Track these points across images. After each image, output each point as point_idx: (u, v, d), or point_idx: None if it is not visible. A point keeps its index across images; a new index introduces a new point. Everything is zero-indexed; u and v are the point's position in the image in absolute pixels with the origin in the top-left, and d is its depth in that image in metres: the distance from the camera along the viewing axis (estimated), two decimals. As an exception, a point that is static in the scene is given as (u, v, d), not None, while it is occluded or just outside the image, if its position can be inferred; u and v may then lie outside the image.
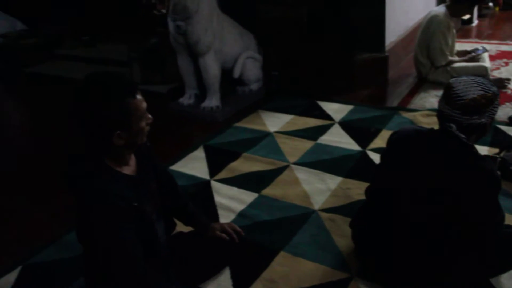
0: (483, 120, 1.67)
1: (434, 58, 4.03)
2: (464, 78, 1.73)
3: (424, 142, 1.79)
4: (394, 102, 3.87)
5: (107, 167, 1.61)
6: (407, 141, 1.86)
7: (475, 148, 1.72)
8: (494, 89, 1.69)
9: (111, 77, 1.60)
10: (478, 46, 4.37)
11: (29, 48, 6.42)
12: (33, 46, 6.47)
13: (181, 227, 2.09)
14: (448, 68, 4.01)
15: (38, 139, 4.18)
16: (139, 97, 1.58)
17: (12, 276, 2.17)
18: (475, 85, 1.68)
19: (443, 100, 1.73)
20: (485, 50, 4.23)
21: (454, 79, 1.76)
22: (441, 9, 4.03)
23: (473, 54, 4.15)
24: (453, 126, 1.67)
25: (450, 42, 4.06)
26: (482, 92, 1.65)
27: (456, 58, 4.12)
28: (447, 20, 3.97)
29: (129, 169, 1.68)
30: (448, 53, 4.03)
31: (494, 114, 1.71)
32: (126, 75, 1.66)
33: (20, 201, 2.92)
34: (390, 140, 1.94)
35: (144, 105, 1.61)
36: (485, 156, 1.98)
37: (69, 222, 2.46)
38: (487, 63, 4.10)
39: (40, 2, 7.01)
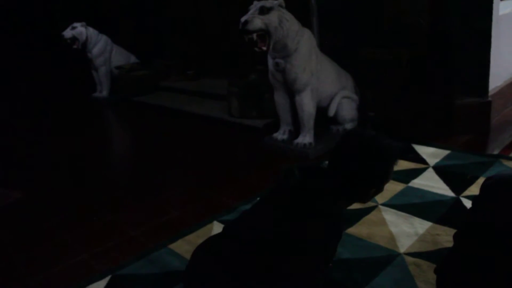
0: None
1: None
2: None
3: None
4: (495, 150, 3.68)
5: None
6: (504, 187, 1.76)
7: None
8: None
9: (386, 140, 1.87)
10: None
11: (139, 79, 6.95)
12: (143, 78, 6.98)
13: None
14: None
15: (138, 160, 4.52)
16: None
17: (101, 284, 2.36)
18: None
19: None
20: None
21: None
22: None
23: None
24: (554, 174, 1.57)
25: None
26: None
27: None
28: None
29: None
30: None
31: None
32: (392, 140, 1.92)
33: (117, 217, 3.15)
34: (484, 186, 1.86)
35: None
36: None
37: (158, 241, 2.69)
38: None
39: (152, 40, 7.61)
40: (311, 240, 1.70)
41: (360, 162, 1.80)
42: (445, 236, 2.47)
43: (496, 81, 4.34)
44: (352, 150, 1.84)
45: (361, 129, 2.17)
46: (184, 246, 2.62)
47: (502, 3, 4.35)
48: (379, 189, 1.89)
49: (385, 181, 1.88)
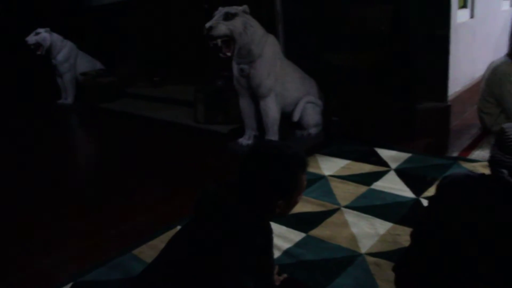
0: (537, 166, 1.62)
1: (510, 113, 3.88)
2: (517, 122, 1.70)
3: (474, 187, 1.75)
4: (454, 152, 3.79)
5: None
6: (457, 186, 1.82)
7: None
8: (550, 134, 1.64)
9: (290, 150, 1.75)
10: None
11: (104, 86, 6.88)
12: (109, 85, 6.92)
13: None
14: None
15: (103, 166, 4.50)
16: (305, 173, 1.75)
17: (63, 291, 2.32)
18: (530, 130, 1.64)
19: (495, 145, 1.70)
20: None
21: (507, 123, 1.72)
22: (502, 59, 3.94)
23: None
24: (505, 172, 1.63)
25: None
26: (536, 137, 1.61)
27: None
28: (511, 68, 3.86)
29: None
30: None
31: (549, 161, 1.65)
32: (300, 149, 1.81)
33: (81, 224, 3.11)
34: (440, 185, 1.92)
35: (306, 182, 1.78)
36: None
37: (122, 247, 2.66)
38: None
39: (118, 46, 7.56)
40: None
41: (255, 173, 1.71)
42: (405, 236, 2.51)
43: (455, 86, 4.49)
44: (252, 162, 1.74)
45: (269, 140, 1.97)
46: (148, 252, 2.60)
47: (459, 12, 4.50)
48: (289, 201, 1.75)
49: (294, 192, 1.73)
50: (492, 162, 1.71)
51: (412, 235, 1.98)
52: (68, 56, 7.05)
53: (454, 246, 1.70)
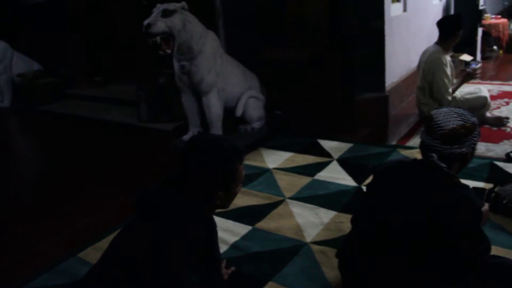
0: (463, 149, 1.71)
1: (441, 98, 4.01)
2: (445, 109, 1.79)
3: (406, 172, 1.83)
4: (393, 140, 3.92)
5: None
6: (391, 172, 1.90)
7: (457, 178, 1.75)
8: (474, 119, 1.74)
9: (226, 142, 1.76)
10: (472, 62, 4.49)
11: (43, 87, 6.66)
12: (48, 86, 6.70)
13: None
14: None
15: (45, 171, 4.36)
16: (242, 164, 1.76)
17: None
18: (455, 115, 1.73)
19: (425, 131, 1.79)
20: (479, 63, 4.26)
21: (435, 110, 1.81)
22: (434, 47, 4.07)
23: (468, 70, 4.16)
24: (434, 156, 1.72)
25: (450, 77, 4.08)
26: (461, 123, 1.70)
27: (454, 82, 4.14)
28: (443, 56, 4.00)
29: None
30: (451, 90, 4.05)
31: (474, 144, 1.75)
32: (236, 141, 1.82)
33: (23, 230, 3.01)
34: (376, 172, 1.99)
35: (244, 172, 1.79)
36: (474, 188, 2.00)
37: (66, 252, 2.61)
38: (484, 92, 4.10)
39: (56, 45, 7.31)
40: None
41: (193, 167, 1.72)
42: (348, 223, 2.52)
43: (392, 77, 4.62)
44: (190, 156, 1.75)
45: (205, 133, 2.01)
46: (94, 254, 2.54)
47: (393, 6, 4.64)
48: (229, 193, 1.77)
49: (232, 183, 1.75)
50: (423, 147, 1.80)
51: (352, 221, 2.04)
52: (2, 57, 6.78)
53: (386, 230, 1.76)
